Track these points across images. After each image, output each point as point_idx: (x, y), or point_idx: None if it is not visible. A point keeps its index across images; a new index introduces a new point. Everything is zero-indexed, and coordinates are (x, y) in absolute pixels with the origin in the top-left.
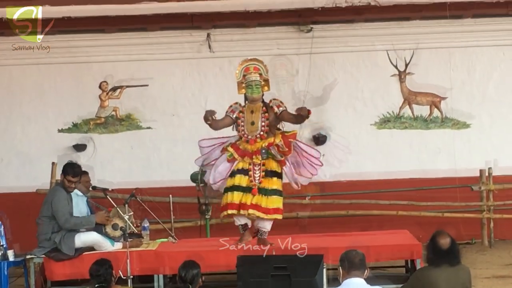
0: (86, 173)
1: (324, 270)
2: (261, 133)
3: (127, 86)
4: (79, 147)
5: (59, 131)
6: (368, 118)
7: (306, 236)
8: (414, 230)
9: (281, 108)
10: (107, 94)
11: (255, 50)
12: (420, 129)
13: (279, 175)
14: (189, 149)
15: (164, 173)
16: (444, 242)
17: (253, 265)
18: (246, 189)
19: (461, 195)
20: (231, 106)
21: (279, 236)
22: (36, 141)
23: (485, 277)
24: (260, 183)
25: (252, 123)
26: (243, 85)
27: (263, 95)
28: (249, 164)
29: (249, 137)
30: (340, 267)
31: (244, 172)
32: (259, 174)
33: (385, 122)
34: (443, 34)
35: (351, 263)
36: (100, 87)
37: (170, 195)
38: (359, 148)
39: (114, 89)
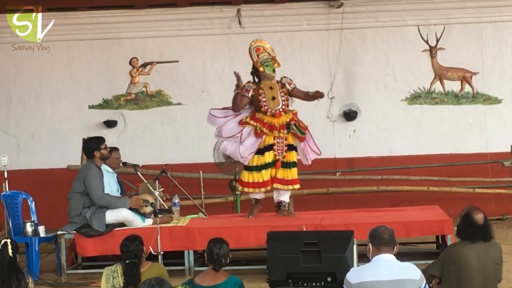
0: (116, 149)
1: (355, 246)
2: (283, 107)
3: (157, 62)
4: (110, 123)
5: (90, 107)
6: (398, 94)
7: (337, 212)
8: (445, 206)
9: (292, 85)
10: (137, 70)
11: (285, 25)
12: (451, 105)
13: (295, 149)
14: None
15: (194, 149)
16: (479, 217)
17: (283, 241)
18: (271, 164)
19: (492, 170)
20: (244, 86)
21: (311, 212)
22: (67, 118)
23: None
24: (283, 157)
25: (273, 98)
26: (259, 63)
27: None
28: (274, 138)
29: (273, 111)
30: (369, 243)
31: (270, 147)
32: (282, 148)
33: (416, 97)
34: (475, 9)
35: (381, 239)
36: (130, 63)
37: (201, 171)
38: (389, 124)
39: (144, 65)
